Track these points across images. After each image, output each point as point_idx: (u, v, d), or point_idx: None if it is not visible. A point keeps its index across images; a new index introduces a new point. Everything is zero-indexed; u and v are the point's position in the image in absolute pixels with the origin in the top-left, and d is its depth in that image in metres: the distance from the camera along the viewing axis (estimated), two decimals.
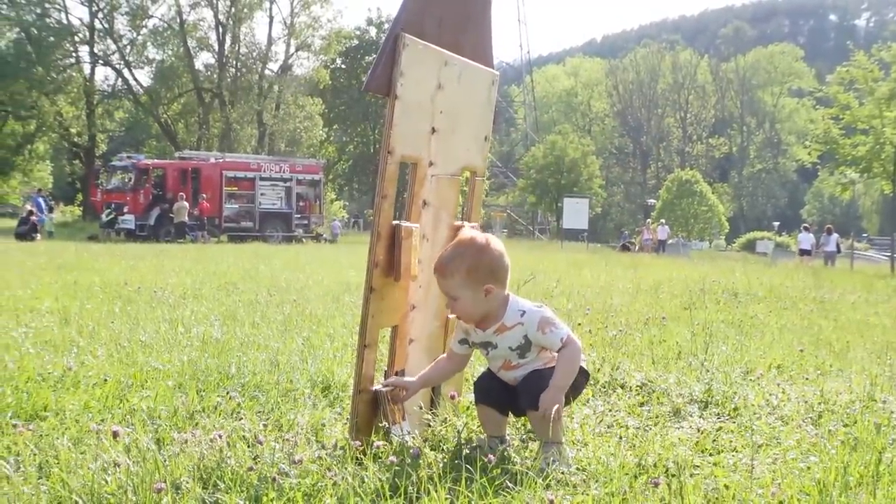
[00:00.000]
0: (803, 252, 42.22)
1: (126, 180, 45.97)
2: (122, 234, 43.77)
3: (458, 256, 4.08)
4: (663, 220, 59.04)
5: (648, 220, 59.06)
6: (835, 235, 40.94)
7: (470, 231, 4.27)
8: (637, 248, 60.11)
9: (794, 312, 12.35)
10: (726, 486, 3.63)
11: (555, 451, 3.97)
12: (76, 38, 71.40)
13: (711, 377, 6.24)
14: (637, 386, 6.04)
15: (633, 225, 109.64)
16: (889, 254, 38.61)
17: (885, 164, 37.17)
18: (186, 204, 42.05)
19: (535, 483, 3.47)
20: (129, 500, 3.27)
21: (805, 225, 47.17)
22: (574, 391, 4.17)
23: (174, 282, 13.80)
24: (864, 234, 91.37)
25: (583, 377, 4.22)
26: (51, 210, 49.52)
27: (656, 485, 3.52)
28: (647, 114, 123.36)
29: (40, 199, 43.91)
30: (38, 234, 37.17)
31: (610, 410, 5.30)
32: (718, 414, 5.34)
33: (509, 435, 4.46)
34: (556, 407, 3.95)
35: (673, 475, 3.62)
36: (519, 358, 4.12)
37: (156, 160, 52.50)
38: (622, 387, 6.04)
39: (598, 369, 6.44)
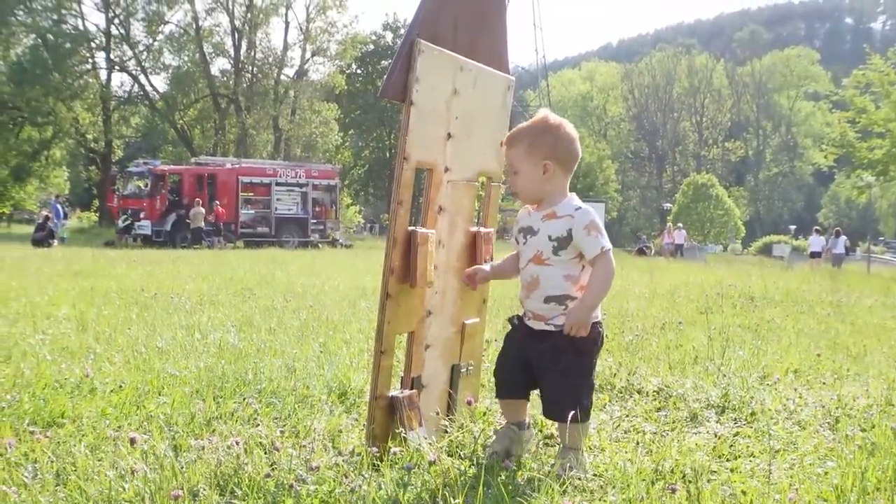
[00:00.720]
0: (814, 254, 42.55)
1: (142, 186, 46.03)
2: (139, 239, 43.83)
3: (526, 129, 4.10)
4: (680, 224, 58.89)
5: (669, 223, 58.91)
6: (843, 238, 41.88)
7: (546, 111, 4.21)
8: (653, 251, 60.05)
9: (810, 316, 12.32)
10: (743, 492, 3.62)
11: (572, 458, 3.96)
12: (92, 45, 71.47)
13: (728, 382, 6.23)
14: (654, 391, 6.04)
15: (650, 229, 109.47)
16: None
17: None
18: (202, 209, 42.08)
19: (552, 489, 3.46)
20: None
21: (816, 228, 47.49)
22: (588, 357, 4.12)
23: (191, 288, 13.82)
24: (881, 238, 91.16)
25: (595, 345, 4.14)
26: (66, 216, 49.64)
27: (673, 491, 3.52)
28: (662, 118, 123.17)
29: (58, 206, 44.03)
30: (55, 241, 37.25)
31: (627, 416, 5.30)
32: (735, 419, 5.33)
33: (530, 417, 4.46)
34: (580, 332, 3.98)
35: (690, 481, 3.61)
36: (553, 253, 4.03)
37: (172, 166, 52.54)
38: (639, 392, 6.03)
39: (615, 374, 6.44)
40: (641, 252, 57.77)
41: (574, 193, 4.10)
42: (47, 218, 38.79)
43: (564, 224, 3.98)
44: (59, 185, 73.71)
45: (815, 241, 43.61)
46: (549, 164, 3.98)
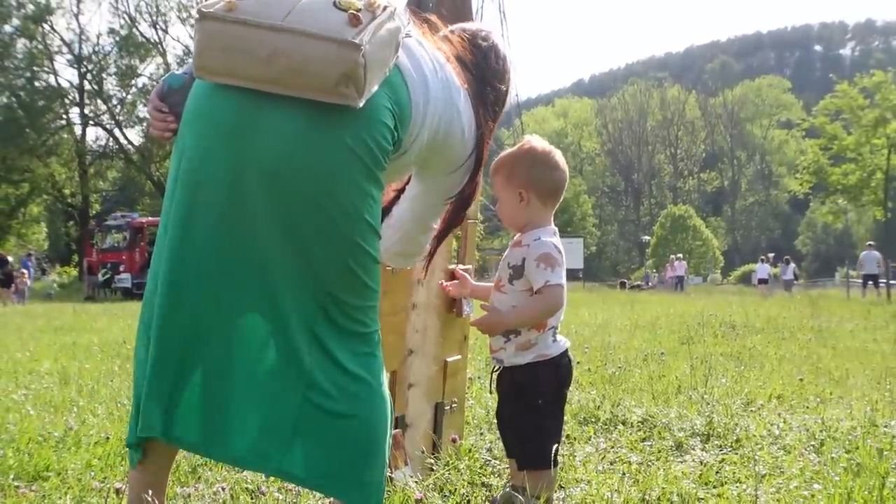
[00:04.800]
0: (761, 281, 44.22)
1: (121, 239, 46.00)
2: (119, 292, 43.72)
3: (507, 156, 4.00)
4: (680, 255, 58.87)
5: (672, 255, 58.96)
6: (792, 265, 44.27)
7: (531, 138, 4.06)
8: (648, 284, 60.28)
9: (792, 342, 12.38)
10: None
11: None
12: (66, 100, 71.54)
13: (712, 410, 6.26)
14: (638, 422, 6.05)
15: (629, 262, 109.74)
16: (884, 280, 38.70)
17: (876, 191, 37.33)
18: None
19: None
20: None
21: (762, 257, 49.87)
22: (531, 399, 3.91)
23: None
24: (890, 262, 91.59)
25: (565, 372, 4.00)
26: (44, 272, 49.51)
27: None
28: (637, 151, 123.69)
29: (28, 263, 44.00)
30: (15, 292, 36.99)
31: (612, 447, 5.30)
32: (721, 446, 5.34)
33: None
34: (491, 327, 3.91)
35: None
36: (508, 281, 3.92)
37: (150, 218, 52.45)
38: (623, 423, 6.04)
39: (599, 406, 6.45)
40: (623, 286, 58.20)
41: (552, 227, 3.99)
42: (7, 261, 38.47)
43: (521, 253, 3.88)
44: (38, 241, 73.61)
45: (762, 269, 45.54)
46: (523, 192, 3.90)
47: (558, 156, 4.02)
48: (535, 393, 3.88)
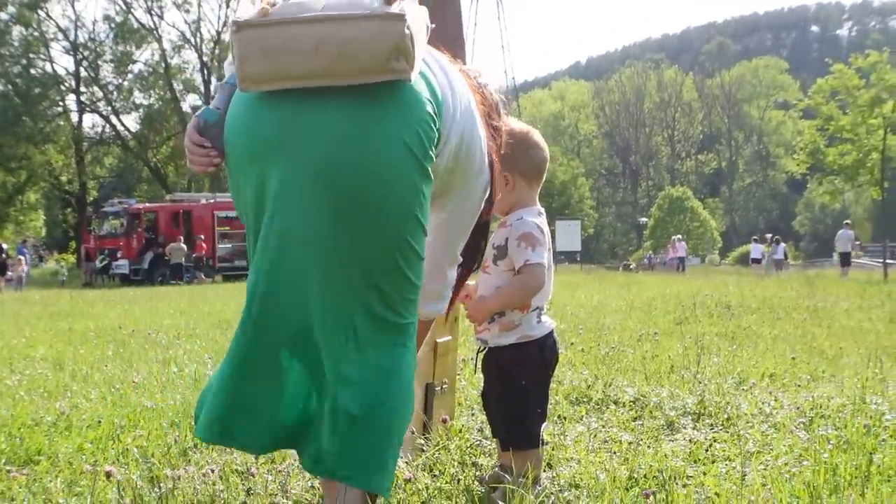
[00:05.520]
0: (755, 261, 45.60)
1: (118, 226, 45.88)
2: (117, 279, 43.69)
3: None
4: (682, 237, 58.61)
5: (674, 236, 58.66)
6: (782, 245, 44.50)
7: (511, 120, 3.96)
8: (633, 266, 60.19)
9: (787, 322, 12.37)
10: (717, 494, 3.65)
11: (506, 489, 3.82)
12: (62, 88, 71.47)
13: (704, 389, 6.27)
14: (630, 401, 6.05)
15: (627, 245, 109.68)
16: (882, 260, 38.71)
17: (872, 171, 37.30)
18: (183, 246, 41.80)
19: (527, 500, 3.46)
20: None
21: (755, 238, 50.95)
22: (516, 380, 3.93)
23: (168, 323, 13.81)
24: (857, 242, 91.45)
25: (549, 353, 4.00)
26: (41, 259, 49.51)
27: (648, 496, 3.54)
28: (634, 133, 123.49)
29: (24, 250, 43.96)
30: (10, 277, 37.03)
31: (603, 426, 5.31)
32: (712, 424, 5.35)
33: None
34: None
35: (663, 485, 3.63)
36: (492, 261, 3.93)
37: (147, 204, 52.39)
38: (615, 403, 6.05)
39: (591, 386, 6.47)
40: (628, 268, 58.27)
41: (537, 207, 3.99)
42: (1, 249, 38.41)
43: (505, 233, 3.90)
44: (36, 228, 73.58)
45: (755, 249, 46.69)
46: (508, 175, 3.87)
47: (537, 135, 4.03)
48: (519, 373, 3.90)
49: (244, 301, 2.98)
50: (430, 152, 2.91)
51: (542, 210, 4.00)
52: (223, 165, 3.06)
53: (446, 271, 3.42)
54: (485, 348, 4.03)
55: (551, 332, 4.00)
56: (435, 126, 2.92)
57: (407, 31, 2.71)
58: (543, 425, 3.93)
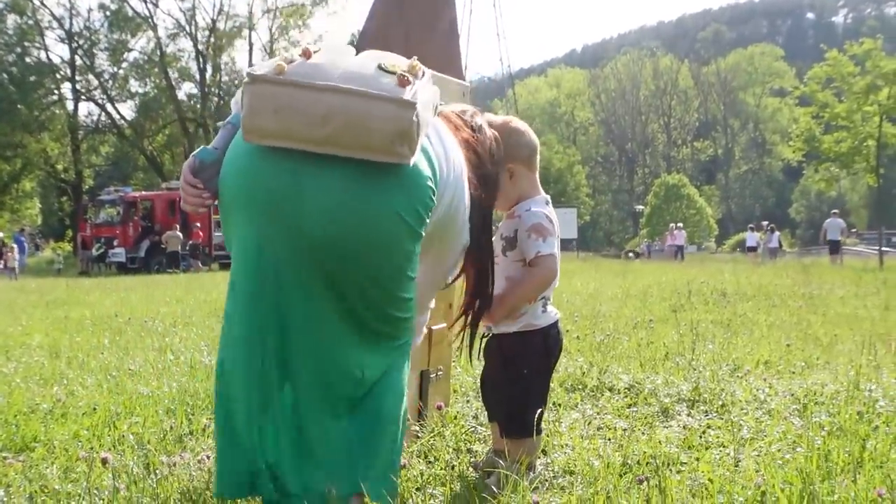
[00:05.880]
0: (750, 249, 45.95)
1: (114, 214, 45.79)
2: (113, 267, 43.64)
3: None
4: (681, 224, 58.38)
5: (672, 223, 58.40)
6: (776, 234, 44.98)
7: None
8: (635, 252, 60.12)
9: (783, 309, 12.39)
10: (710, 480, 3.66)
11: (502, 475, 3.74)
12: (58, 76, 71.28)
13: (699, 376, 6.29)
14: (625, 388, 6.08)
15: (623, 233, 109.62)
16: (877, 247, 38.75)
17: (868, 158, 37.29)
18: (179, 234, 41.73)
19: (521, 486, 3.48)
20: None
21: (750, 225, 51.42)
22: (519, 367, 3.96)
23: (164, 311, 13.81)
24: (854, 230, 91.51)
25: (553, 343, 4.05)
26: (37, 248, 49.44)
27: (640, 482, 3.55)
28: (630, 121, 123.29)
29: (21, 239, 43.91)
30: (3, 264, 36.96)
31: (598, 413, 5.33)
32: (706, 411, 5.37)
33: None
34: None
35: (656, 472, 3.64)
36: (501, 252, 3.96)
37: (143, 192, 52.26)
38: (610, 390, 6.07)
39: (585, 373, 6.48)
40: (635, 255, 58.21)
41: (543, 195, 4.03)
42: (2, 243, 38.34)
43: (514, 224, 3.93)
44: (32, 216, 73.46)
45: (750, 237, 46.98)
46: (511, 166, 3.92)
47: (516, 121, 4.08)
48: (521, 362, 3.93)
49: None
50: (426, 219, 3.00)
51: (548, 198, 4.03)
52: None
53: (419, 318, 3.47)
54: (488, 334, 4.04)
55: (556, 323, 4.03)
56: (433, 197, 3.00)
57: (415, 119, 2.77)
58: (541, 413, 3.95)
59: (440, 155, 3.10)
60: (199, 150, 3.16)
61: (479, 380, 4.24)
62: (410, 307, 3.13)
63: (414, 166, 2.90)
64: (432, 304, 3.62)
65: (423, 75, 2.95)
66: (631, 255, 63.90)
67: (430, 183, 2.96)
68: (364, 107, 2.74)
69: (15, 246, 39.54)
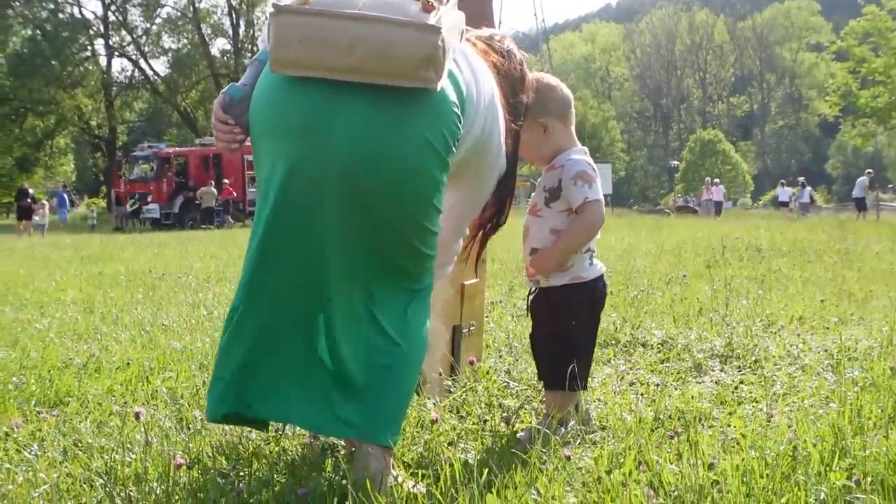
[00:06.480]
0: (782, 204, 46.39)
1: (148, 170, 45.88)
2: (147, 223, 43.80)
3: None
4: (717, 180, 57.96)
5: (708, 178, 57.95)
6: (808, 189, 45.08)
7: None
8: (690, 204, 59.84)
9: (818, 265, 12.32)
10: (742, 435, 3.64)
11: (535, 429, 3.77)
12: (91, 32, 71.29)
13: (732, 331, 6.26)
14: (658, 344, 6.07)
15: (658, 188, 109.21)
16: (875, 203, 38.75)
17: None
18: (214, 190, 41.79)
19: (552, 441, 3.47)
20: (150, 476, 3.30)
21: (782, 181, 50.62)
22: (567, 320, 3.97)
23: (198, 267, 13.87)
24: (890, 185, 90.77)
25: (599, 296, 4.06)
26: (72, 204, 49.60)
27: (672, 436, 3.54)
28: (666, 76, 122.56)
29: (63, 194, 44.06)
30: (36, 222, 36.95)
31: (631, 369, 5.33)
32: (739, 367, 5.36)
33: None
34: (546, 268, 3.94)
35: (688, 426, 3.63)
36: (545, 204, 3.95)
37: (177, 148, 52.30)
38: (643, 345, 6.06)
39: (619, 329, 6.47)
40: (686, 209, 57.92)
41: (580, 146, 4.01)
42: (27, 193, 38.30)
43: (556, 175, 3.91)
44: (66, 173, 73.71)
45: (783, 193, 46.97)
46: (544, 121, 3.91)
47: (548, 77, 4.05)
48: (569, 314, 3.94)
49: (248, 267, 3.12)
50: (453, 147, 3.00)
51: (586, 149, 4.02)
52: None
53: (452, 246, 3.52)
54: (535, 290, 4.05)
55: (601, 276, 4.04)
56: (459, 124, 3.01)
57: (440, 44, 2.77)
58: (586, 368, 3.98)
59: (469, 81, 3.11)
60: (228, 86, 3.20)
61: (514, 337, 4.24)
62: (434, 244, 3.13)
63: (441, 92, 2.91)
64: (466, 233, 3.63)
65: (447, 1, 2.94)
66: (691, 204, 63.39)
67: (455, 109, 2.97)
68: (389, 33, 2.75)
69: (46, 203, 39.65)
